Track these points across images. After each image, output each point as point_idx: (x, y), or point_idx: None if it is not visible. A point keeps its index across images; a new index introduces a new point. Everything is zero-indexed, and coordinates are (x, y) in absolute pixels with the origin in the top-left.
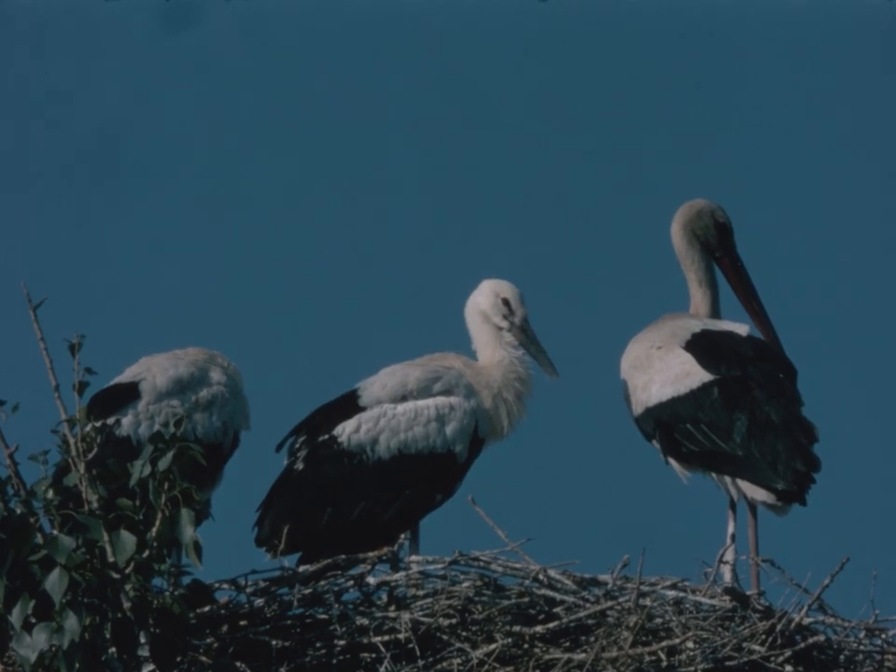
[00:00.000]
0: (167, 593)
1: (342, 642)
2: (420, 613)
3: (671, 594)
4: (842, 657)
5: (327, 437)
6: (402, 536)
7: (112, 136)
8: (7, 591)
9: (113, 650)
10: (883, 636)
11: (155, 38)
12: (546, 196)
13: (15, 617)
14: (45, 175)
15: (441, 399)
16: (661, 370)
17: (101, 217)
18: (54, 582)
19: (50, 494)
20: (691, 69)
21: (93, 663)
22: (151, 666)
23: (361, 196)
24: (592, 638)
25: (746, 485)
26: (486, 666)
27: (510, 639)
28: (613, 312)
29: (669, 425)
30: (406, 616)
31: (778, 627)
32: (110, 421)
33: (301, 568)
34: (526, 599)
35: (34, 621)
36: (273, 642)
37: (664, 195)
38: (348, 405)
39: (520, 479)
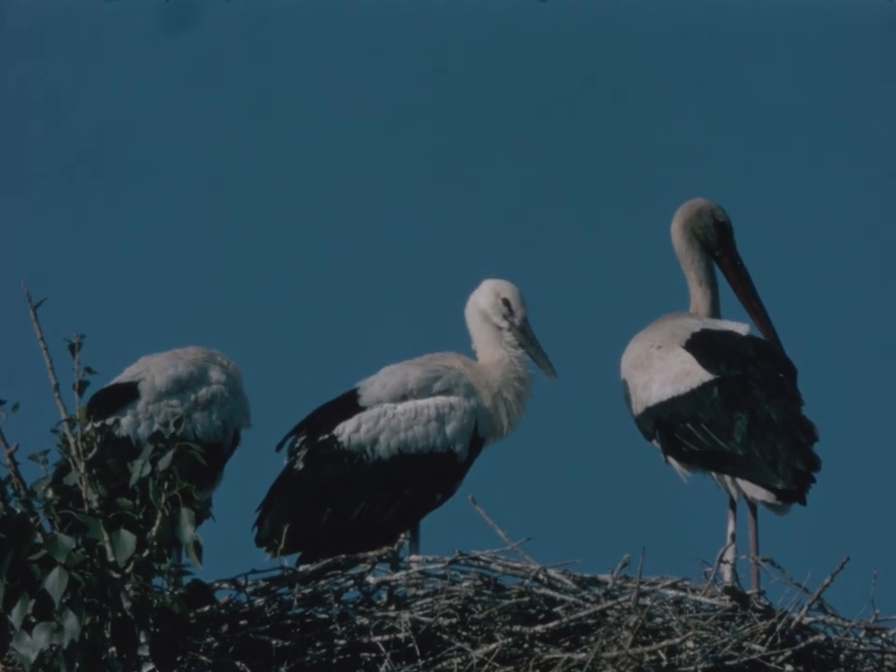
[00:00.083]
0: (167, 592)
1: (342, 642)
2: (420, 613)
3: (671, 593)
4: (842, 656)
5: (327, 436)
6: (402, 535)
7: (112, 136)
8: (7, 590)
9: (113, 649)
10: (883, 635)
11: (155, 38)
12: (546, 196)
13: (15, 616)
14: (45, 175)
15: (441, 399)
16: (661, 369)
17: (101, 217)
18: (54, 582)
19: (50, 493)
20: (691, 69)
21: (93, 662)
22: (151, 666)
23: (361, 196)
24: (592, 638)
25: (746, 485)
26: (486, 666)
27: (510, 639)
28: (613, 311)
29: (669, 424)
30: (406, 615)
31: (779, 627)
32: (110, 421)
33: (301, 568)
34: (526, 599)
35: (34, 620)
36: (274, 642)
37: (663, 195)
38: (348, 405)
39: (520, 478)
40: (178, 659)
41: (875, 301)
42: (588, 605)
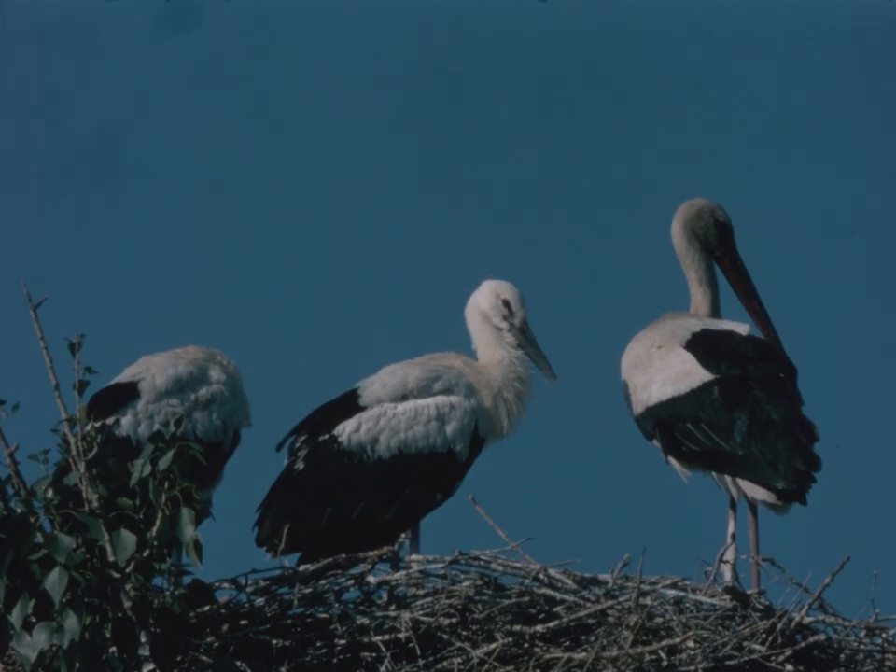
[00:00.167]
0: (167, 592)
1: (342, 641)
2: (420, 612)
3: (671, 593)
4: (842, 656)
5: (327, 436)
6: (403, 535)
7: (112, 136)
8: (8, 590)
9: (113, 649)
10: (883, 635)
11: (155, 38)
12: (546, 196)
13: (15, 616)
14: (45, 175)
15: (441, 399)
16: (661, 369)
17: (101, 217)
18: (54, 582)
19: (50, 493)
20: (691, 69)
21: (94, 662)
22: (152, 666)
23: (361, 196)
24: (592, 638)
25: (746, 485)
26: (487, 666)
27: (510, 639)
28: (613, 311)
29: (669, 424)
30: (406, 615)
31: (779, 626)
32: (110, 421)
33: (302, 568)
34: (527, 598)
35: (34, 620)
36: (274, 641)
37: (663, 195)
38: (348, 404)
39: (520, 478)
40: (179, 659)
41: (875, 301)
42: (588, 604)
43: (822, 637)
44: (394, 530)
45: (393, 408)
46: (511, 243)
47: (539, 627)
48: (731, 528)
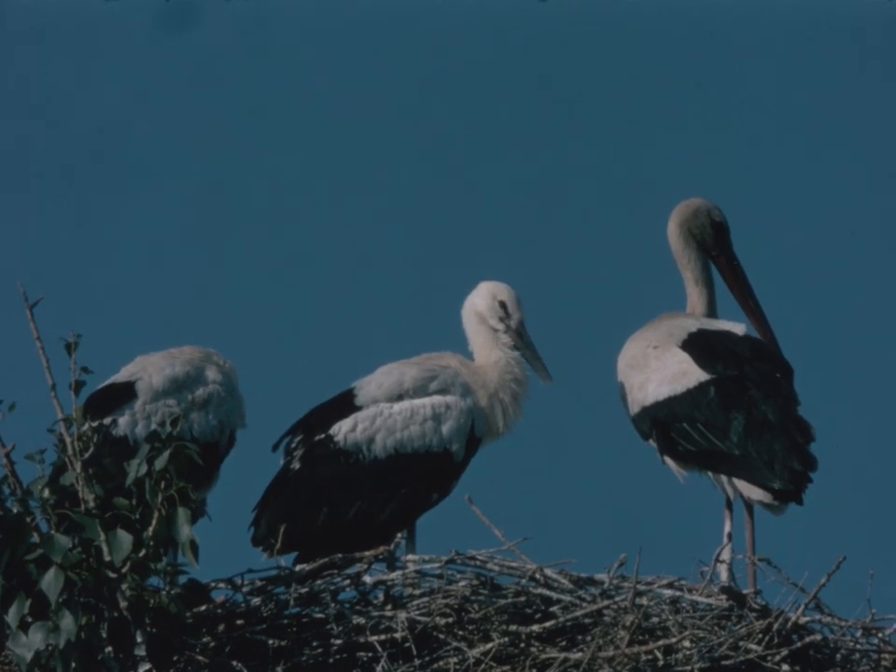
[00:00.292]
0: (164, 592)
1: (338, 641)
2: (417, 612)
3: (667, 593)
4: (838, 656)
5: (323, 436)
6: (399, 535)
7: (112, 136)
8: (4, 590)
9: (109, 649)
10: (880, 635)
11: (155, 38)
12: (546, 196)
13: (11, 616)
14: (45, 175)
15: (437, 398)
16: (657, 369)
17: (101, 217)
18: (50, 582)
19: (47, 493)
20: (691, 69)
21: (90, 662)
22: (148, 666)
23: (361, 196)
24: (588, 637)
25: (742, 484)
26: (483, 666)
27: (506, 638)
28: (610, 311)
29: (666, 424)
30: (403, 615)
31: (775, 626)
32: (107, 421)
33: (298, 568)
34: (523, 598)
35: (30, 620)
36: (270, 641)
37: (663, 195)
38: (344, 404)
39: (516, 478)
40: (175, 659)
41: (873, 301)
42: (584, 604)
43: (818, 636)
44: (390, 530)
45: (389, 408)
46: (511, 243)
47: (535, 627)
48: (727, 528)
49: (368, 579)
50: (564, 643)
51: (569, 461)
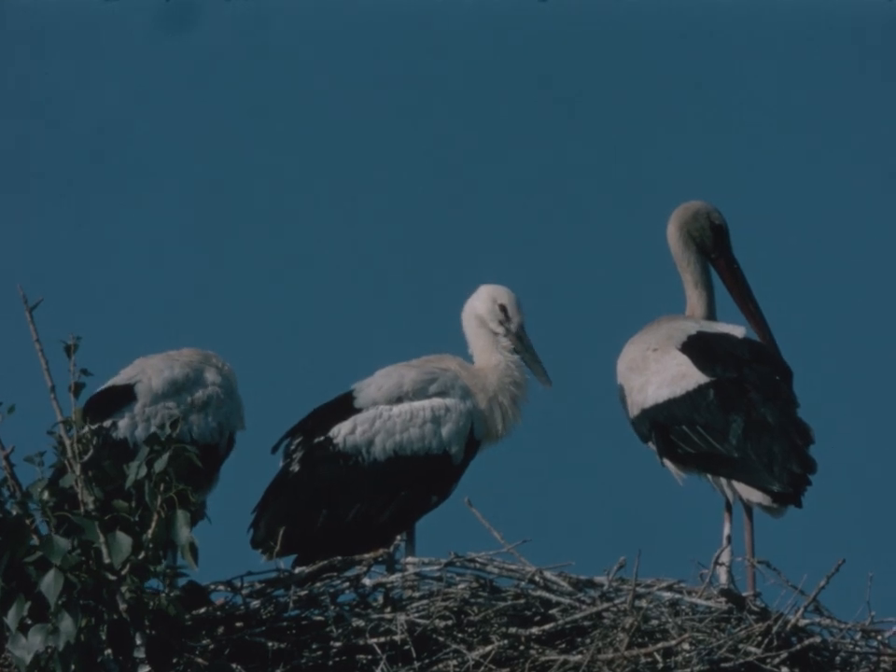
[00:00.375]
0: (163, 594)
1: (338, 644)
2: (416, 615)
3: (667, 595)
4: (838, 659)
5: (322, 438)
6: (398, 537)
7: (112, 136)
8: (3, 592)
9: (109, 651)
10: (879, 637)
11: (154, 38)
12: (545, 197)
13: (11, 618)
14: (45, 174)
15: (436, 401)
16: (657, 371)
17: (101, 217)
18: (50, 584)
19: (46, 495)
20: (691, 69)
21: (89, 664)
22: (147, 668)
23: (361, 196)
24: (588, 640)
25: (741, 487)
26: (482, 668)
27: (505, 641)
28: (609, 313)
29: (665, 426)
30: (402, 618)
31: (774, 629)
32: (106, 423)
33: (297, 570)
34: (522, 601)
35: (29, 622)
36: (269, 644)
37: (663, 195)
38: (344, 407)
39: (516, 480)
40: (174, 661)
41: (872, 303)
42: (584, 607)
43: (818, 639)
44: (389, 532)
45: (388, 410)
46: (510, 243)
47: (534, 629)
48: (726, 531)
49: (367, 581)
50: (563, 645)
51: (569, 464)
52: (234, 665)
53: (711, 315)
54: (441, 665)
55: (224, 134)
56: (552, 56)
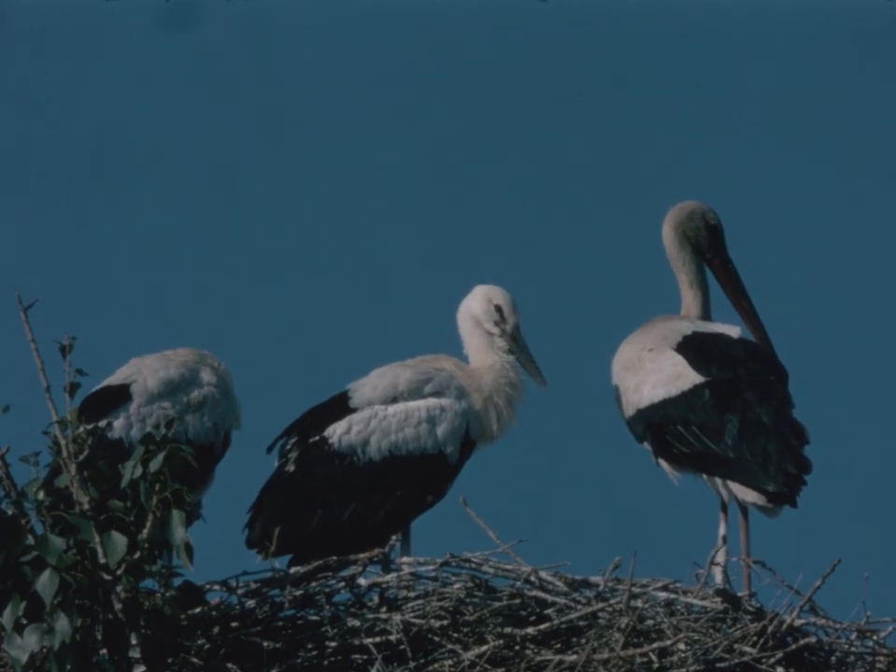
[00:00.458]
0: (158, 594)
1: (333, 644)
2: (411, 615)
3: (662, 595)
4: (833, 658)
5: (317, 438)
6: (394, 537)
7: (112, 136)
8: None
9: (104, 651)
10: (874, 637)
11: (155, 38)
12: (545, 197)
13: (6, 618)
14: (45, 174)
15: (431, 401)
16: (652, 371)
17: (101, 217)
18: (45, 584)
19: (41, 495)
20: (691, 69)
21: (84, 664)
22: (142, 668)
23: (359, 196)
24: (583, 640)
25: (736, 487)
26: (478, 668)
27: (501, 641)
28: (605, 313)
29: (660, 426)
30: (397, 617)
31: (770, 629)
32: (102, 423)
33: (293, 570)
34: (518, 601)
35: (25, 622)
36: (265, 643)
37: (662, 195)
38: (339, 406)
39: (511, 480)
40: (169, 661)
41: (868, 303)
42: (579, 607)
43: (813, 639)
44: (385, 532)
45: (384, 410)
46: (510, 243)
47: (529, 629)
48: (722, 531)
49: (363, 581)
50: (559, 645)
51: (564, 464)
52: (230, 665)
53: (706, 315)
54: (436, 665)
55: (224, 134)
56: (552, 56)
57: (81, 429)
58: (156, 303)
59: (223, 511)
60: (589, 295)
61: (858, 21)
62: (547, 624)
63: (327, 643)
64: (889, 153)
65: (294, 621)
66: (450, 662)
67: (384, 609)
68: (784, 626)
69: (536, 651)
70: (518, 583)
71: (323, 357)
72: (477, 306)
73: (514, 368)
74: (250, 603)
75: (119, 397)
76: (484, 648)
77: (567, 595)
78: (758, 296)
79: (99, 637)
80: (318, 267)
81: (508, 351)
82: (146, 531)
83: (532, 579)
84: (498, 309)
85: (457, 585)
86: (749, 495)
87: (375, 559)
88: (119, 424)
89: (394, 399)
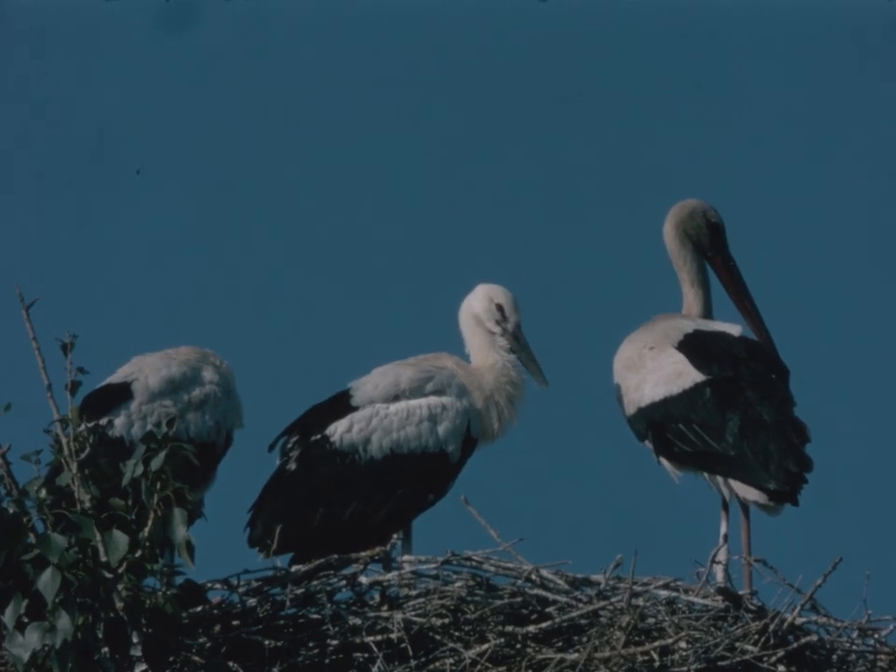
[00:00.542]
0: (160, 592)
1: (334, 642)
2: (412, 613)
3: (664, 593)
4: (835, 657)
5: (319, 437)
6: (395, 535)
7: (112, 136)
8: (0, 590)
9: (105, 649)
10: (876, 635)
11: (155, 38)
12: (545, 197)
13: (8, 616)
14: (45, 175)
15: (433, 399)
16: (653, 370)
17: (101, 217)
18: (47, 582)
19: (43, 493)
20: (691, 69)
21: (86, 662)
22: (144, 666)
23: (359, 196)
24: (584, 638)
25: (738, 485)
26: (479, 666)
27: (502, 639)
28: (606, 312)
29: (662, 425)
30: (398, 616)
31: (771, 627)
32: (103, 421)
33: (294, 568)
34: (519, 599)
35: (26, 620)
36: (266, 642)
37: (663, 195)
38: (340, 405)
39: (512, 479)
40: (171, 659)
41: (869, 302)
42: (580, 605)
43: (814, 637)
44: (386, 531)
45: (385, 408)
46: (510, 243)
47: (531, 628)
48: (723, 529)
49: (364, 579)
50: (560, 644)
51: (565, 462)
52: (231, 664)
53: (708, 313)
54: (437, 664)
55: (224, 134)
56: (552, 56)
57: (82, 428)
58: (157, 302)
59: (225, 509)
60: (589, 294)
61: (858, 21)
62: (548, 623)
63: (328, 641)
64: (889, 153)
65: (295, 619)
66: (451, 660)
67: (385, 608)
68: (785, 625)
69: (537, 649)
70: (519, 582)
71: (324, 355)
72: (478, 305)
73: (515, 367)
74: (251, 601)
75: (120, 395)
76: (486, 646)
77: (568, 593)
78: (759, 295)
79: (100, 636)
80: (319, 266)
81: (509, 350)
82: (147, 529)
83: (533, 577)
84: (500, 308)
85: (458, 584)
86: (750, 493)
87: (376, 557)
88: (120, 422)
89: (395, 398)
